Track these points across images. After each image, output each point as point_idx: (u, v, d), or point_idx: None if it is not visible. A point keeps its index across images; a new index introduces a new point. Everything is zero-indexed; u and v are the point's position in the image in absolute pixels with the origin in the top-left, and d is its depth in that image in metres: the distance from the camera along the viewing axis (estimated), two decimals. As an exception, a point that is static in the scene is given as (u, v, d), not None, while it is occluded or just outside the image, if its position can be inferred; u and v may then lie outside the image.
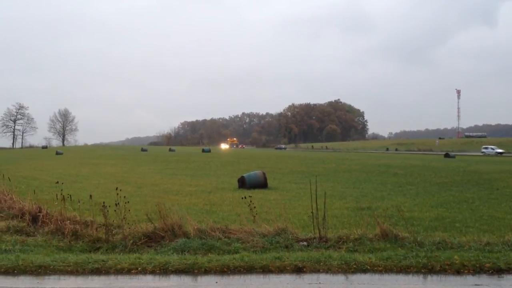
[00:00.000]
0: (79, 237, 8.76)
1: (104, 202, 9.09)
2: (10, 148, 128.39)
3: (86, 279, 6.41)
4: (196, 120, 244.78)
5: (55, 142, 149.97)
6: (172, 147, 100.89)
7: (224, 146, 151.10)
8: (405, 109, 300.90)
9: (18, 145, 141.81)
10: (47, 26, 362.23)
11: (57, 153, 68.85)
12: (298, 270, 6.55)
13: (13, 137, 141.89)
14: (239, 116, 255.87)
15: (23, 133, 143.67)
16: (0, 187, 12.86)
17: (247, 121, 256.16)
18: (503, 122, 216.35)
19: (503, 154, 71.91)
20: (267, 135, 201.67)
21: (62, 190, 9.94)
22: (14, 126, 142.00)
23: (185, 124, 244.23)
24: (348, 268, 6.53)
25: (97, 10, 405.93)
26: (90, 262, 6.85)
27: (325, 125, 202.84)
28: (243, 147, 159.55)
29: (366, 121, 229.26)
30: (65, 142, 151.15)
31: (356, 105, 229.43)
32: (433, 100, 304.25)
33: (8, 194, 12.03)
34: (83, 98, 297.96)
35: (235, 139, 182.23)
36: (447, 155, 57.31)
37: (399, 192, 17.85)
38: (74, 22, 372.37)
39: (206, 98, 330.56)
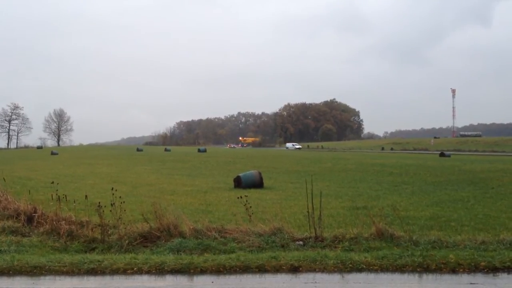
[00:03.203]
0: (74, 237, 8.74)
1: (99, 202, 9.06)
2: (5, 149, 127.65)
3: (81, 279, 6.39)
4: (192, 120, 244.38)
5: (50, 142, 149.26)
6: (168, 147, 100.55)
7: (296, 146, 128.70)
8: (400, 109, 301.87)
9: (13, 145, 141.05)
10: (41, 25, 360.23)
11: (52, 153, 68.49)
12: (294, 269, 6.56)
13: (8, 137, 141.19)
14: (235, 115, 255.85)
15: (18, 133, 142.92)
16: (-5, 187, 12.79)
17: (242, 120, 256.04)
18: (498, 121, 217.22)
19: None
20: (263, 134, 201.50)
21: (57, 190, 9.91)
22: (9, 127, 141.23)
23: (181, 124, 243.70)
24: (344, 267, 6.55)
25: (92, 9, 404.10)
26: (85, 263, 6.83)
27: (321, 124, 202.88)
28: (235, 147, 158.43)
29: (361, 120, 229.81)
30: (60, 142, 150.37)
31: (351, 104, 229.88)
32: (428, 100, 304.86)
33: (3, 195, 11.96)
34: (78, 98, 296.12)
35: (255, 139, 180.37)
36: (442, 154, 57.45)
37: (394, 191, 17.90)
38: (70, 21, 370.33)
39: (202, 97, 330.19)
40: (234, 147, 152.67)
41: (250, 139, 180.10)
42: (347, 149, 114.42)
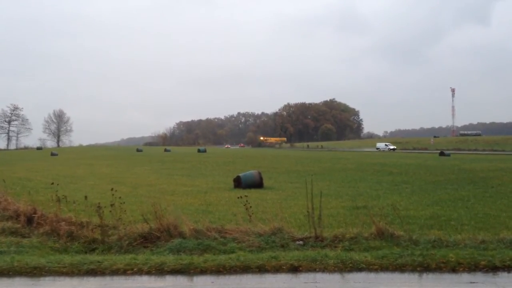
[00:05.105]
0: (74, 238, 8.72)
1: (99, 203, 9.05)
2: (4, 149, 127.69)
3: (81, 280, 6.38)
4: (192, 120, 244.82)
5: (50, 143, 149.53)
6: (168, 147, 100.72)
7: (390, 146, 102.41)
8: (400, 108, 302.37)
9: (12, 146, 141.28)
10: (40, 25, 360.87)
11: (52, 154, 68.60)
12: (294, 269, 6.55)
13: (8, 138, 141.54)
14: (235, 116, 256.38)
15: (17, 134, 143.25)
16: (-5, 188, 12.79)
17: (242, 120, 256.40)
18: (497, 120, 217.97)
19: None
20: (262, 134, 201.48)
21: (57, 191, 9.91)
22: (9, 127, 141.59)
23: (181, 125, 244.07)
24: (344, 267, 6.54)
25: (92, 9, 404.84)
26: (85, 263, 6.81)
27: (321, 124, 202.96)
28: (228, 147, 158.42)
29: (361, 120, 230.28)
30: (60, 143, 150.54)
31: (351, 104, 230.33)
32: (428, 99, 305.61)
33: (2, 196, 11.97)
34: (78, 99, 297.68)
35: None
36: (442, 154, 57.55)
37: (394, 191, 17.90)
38: (69, 21, 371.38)
39: (202, 98, 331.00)
40: (228, 147, 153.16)
41: (272, 139, 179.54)
42: (347, 148, 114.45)
